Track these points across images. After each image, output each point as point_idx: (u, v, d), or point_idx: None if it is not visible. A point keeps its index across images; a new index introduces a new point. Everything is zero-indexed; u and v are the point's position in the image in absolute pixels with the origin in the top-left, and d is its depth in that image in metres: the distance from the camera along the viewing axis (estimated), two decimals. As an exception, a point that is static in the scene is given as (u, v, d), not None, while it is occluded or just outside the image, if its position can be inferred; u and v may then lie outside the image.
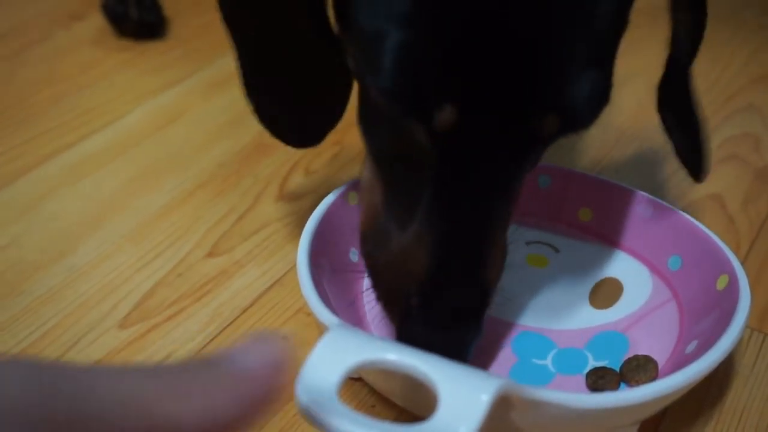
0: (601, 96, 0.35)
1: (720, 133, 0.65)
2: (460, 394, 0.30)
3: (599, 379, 0.41)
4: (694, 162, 0.47)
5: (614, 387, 0.41)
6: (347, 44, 0.39)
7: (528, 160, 0.37)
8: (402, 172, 0.38)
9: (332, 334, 0.33)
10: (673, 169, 0.60)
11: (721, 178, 0.60)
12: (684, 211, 0.47)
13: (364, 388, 0.44)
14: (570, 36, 0.34)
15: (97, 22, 0.80)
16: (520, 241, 0.50)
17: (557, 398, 0.33)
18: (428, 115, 0.34)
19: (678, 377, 0.35)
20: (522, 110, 0.34)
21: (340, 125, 0.47)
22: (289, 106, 0.46)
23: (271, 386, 0.21)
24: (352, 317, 0.44)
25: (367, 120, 0.41)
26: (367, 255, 0.41)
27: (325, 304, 0.39)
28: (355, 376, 0.44)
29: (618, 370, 0.42)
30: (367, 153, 0.41)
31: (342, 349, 0.32)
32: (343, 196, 0.48)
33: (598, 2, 0.34)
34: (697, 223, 0.45)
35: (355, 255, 0.48)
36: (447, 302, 0.37)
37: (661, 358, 0.42)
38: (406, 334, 0.38)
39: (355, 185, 0.49)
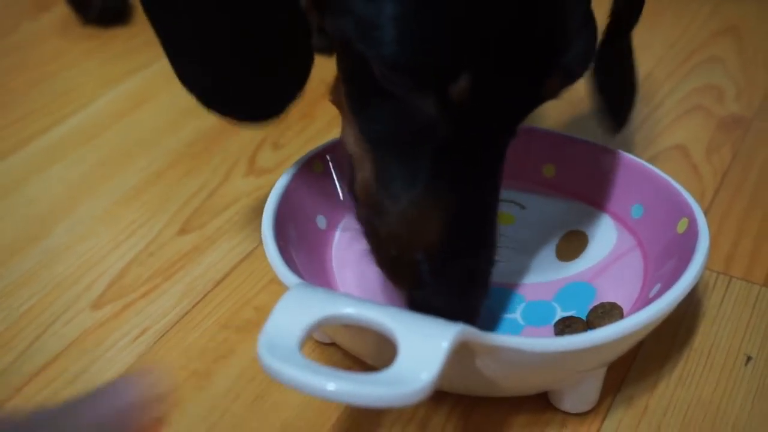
0: (592, 50, 0.36)
1: (684, 86, 0.66)
2: (420, 342, 0.31)
3: (566, 328, 0.42)
4: (618, 116, 0.48)
5: (580, 333, 0.41)
6: (332, 18, 0.37)
7: (524, 117, 0.37)
8: (399, 143, 0.38)
9: (293, 292, 0.33)
10: (637, 124, 0.61)
11: (685, 128, 0.61)
12: (649, 162, 0.48)
13: (338, 352, 0.44)
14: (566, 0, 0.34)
15: (63, 11, 0.80)
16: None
17: (516, 343, 0.33)
18: (442, 86, 0.34)
19: (636, 317, 0.35)
20: (532, 73, 0.35)
21: (307, 98, 0.46)
22: (243, 80, 0.43)
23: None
24: (321, 280, 0.44)
25: (355, 95, 0.40)
26: (367, 224, 0.41)
27: (291, 270, 0.40)
28: (328, 341, 0.45)
29: (585, 318, 0.42)
30: (352, 127, 0.40)
31: (302, 306, 0.33)
32: (306, 165, 0.48)
33: None
34: (656, 170, 0.46)
35: (322, 222, 0.48)
36: (461, 267, 0.37)
37: (626, 304, 0.43)
38: (420, 300, 0.38)
39: (319, 154, 0.49)
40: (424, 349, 0.30)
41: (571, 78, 0.36)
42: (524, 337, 0.34)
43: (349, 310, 0.32)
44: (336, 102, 0.43)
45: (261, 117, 0.45)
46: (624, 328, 0.35)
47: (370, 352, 0.39)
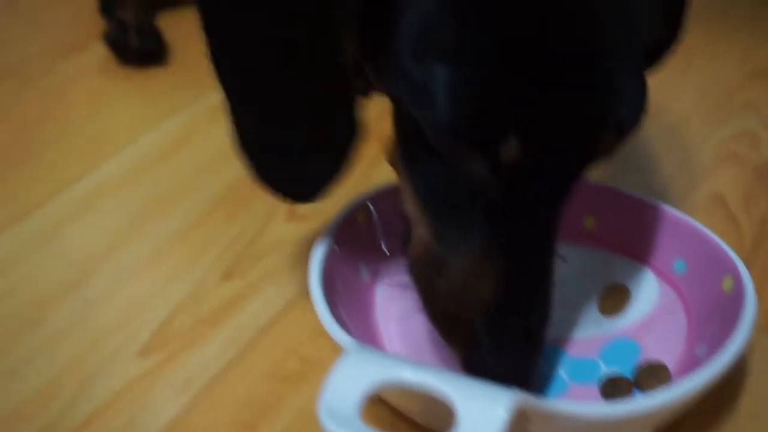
0: (644, 104, 0.36)
1: (718, 132, 0.66)
2: (478, 411, 0.31)
3: (612, 387, 0.42)
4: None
5: (627, 394, 0.42)
6: (387, 81, 0.38)
7: (580, 175, 0.38)
8: (453, 202, 0.38)
9: (349, 355, 0.34)
10: (673, 172, 0.61)
11: (721, 177, 0.61)
12: (685, 212, 0.48)
13: (386, 408, 0.45)
14: (614, 52, 0.35)
15: (98, 52, 0.81)
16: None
17: (573, 410, 0.34)
18: (493, 149, 0.34)
19: (690, 382, 0.36)
20: (582, 132, 0.35)
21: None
22: (293, 159, 0.44)
23: None
24: (367, 335, 0.45)
25: (409, 155, 0.40)
26: (421, 284, 0.41)
27: (340, 325, 0.40)
28: (374, 396, 0.45)
29: (630, 376, 0.43)
30: (407, 186, 0.41)
31: (360, 370, 0.33)
32: (351, 215, 0.49)
33: (635, 17, 0.35)
34: (699, 225, 0.46)
35: (365, 272, 0.49)
36: (516, 328, 0.37)
37: (671, 361, 0.43)
38: (474, 361, 0.38)
39: (362, 203, 0.50)
40: (483, 418, 0.31)
41: (623, 134, 0.37)
42: (578, 402, 0.35)
43: (408, 375, 0.33)
44: (392, 162, 0.44)
45: (299, 194, 0.46)
46: (678, 393, 0.35)
47: (420, 413, 0.40)
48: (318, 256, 0.45)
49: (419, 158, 0.40)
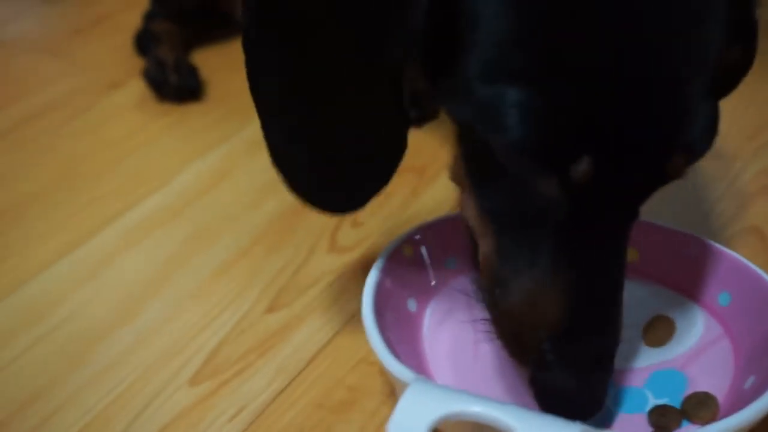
0: (715, 127, 0.37)
1: (753, 165, 0.67)
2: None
3: (661, 417, 0.43)
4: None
5: (676, 425, 0.42)
6: (453, 103, 0.39)
7: (648, 196, 0.38)
8: (520, 220, 0.39)
9: (413, 389, 0.35)
10: (710, 204, 0.62)
11: (757, 209, 0.62)
12: (724, 244, 0.49)
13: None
14: (689, 75, 0.35)
15: (136, 88, 0.83)
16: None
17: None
18: (564, 168, 0.35)
19: (748, 412, 0.36)
20: (653, 153, 0.36)
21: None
22: (333, 171, 0.45)
23: None
24: (417, 366, 0.46)
25: (475, 173, 0.41)
26: (489, 296, 0.42)
27: (394, 357, 0.41)
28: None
29: (679, 407, 0.43)
30: (474, 203, 0.42)
31: (425, 403, 0.34)
32: (398, 249, 0.50)
33: (709, 41, 0.36)
34: (743, 259, 0.47)
35: (412, 305, 0.50)
36: (585, 349, 0.38)
37: (719, 393, 0.43)
38: (542, 380, 0.38)
39: (408, 238, 0.51)
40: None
41: (694, 156, 0.37)
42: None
43: (475, 408, 0.33)
44: (455, 179, 0.45)
45: (345, 208, 0.47)
46: (740, 421, 0.36)
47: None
48: (369, 289, 0.46)
49: (485, 176, 0.40)
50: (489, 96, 0.35)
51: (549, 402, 0.39)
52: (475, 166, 0.41)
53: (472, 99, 0.36)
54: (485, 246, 0.42)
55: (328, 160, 0.45)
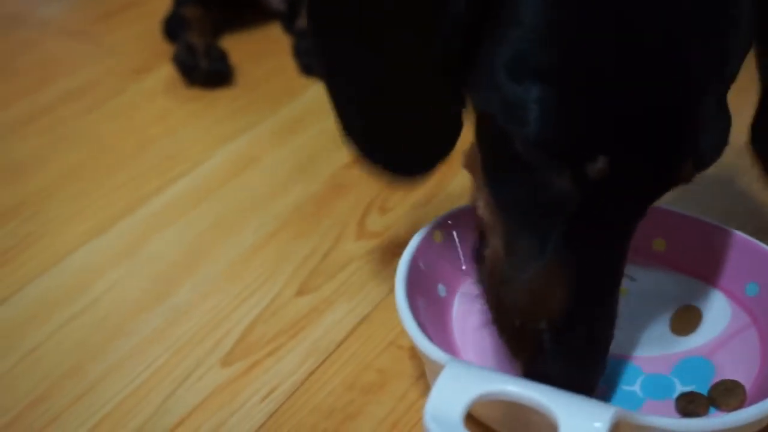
0: (726, 139, 0.39)
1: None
2: (579, 423, 0.33)
3: (689, 404, 0.43)
4: None
5: (704, 411, 0.43)
6: (477, 93, 0.41)
7: (658, 198, 0.40)
8: (530, 213, 0.40)
9: (450, 369, 0.36)
10: (736, 195, 0.62)
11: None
12: (752, 235, 0.50)
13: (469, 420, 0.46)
14: (706, 85, 0.37)
15: (165, 73, 0.84)
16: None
17: (669, 424, 0.35)
18: (580, 165, 0.37)
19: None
20: (666, 158, 0.37)
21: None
22: (403, 142, 0.47)
23: None
24: (448, 349, 0.47)
25: (491, 164, 0.42)
26: (491, 292, 0.44)
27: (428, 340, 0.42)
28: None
29: (706, 394, 0.44)
30: (485, 193, 0.43)
31: (462, 384, 0.35)
32: (429, 235, 0.51)
33: (732, 54, 0.37)
34: (769, 249, 0.48)
35: (442, 290, 0.50)
36: (583, 337, 0.39)
37: (746, 381, 0.44)
38: (537, 368, 0.40)
39: (439, 224, 0.52)
40: (583, 428, 0.32)
41: (703, 164, 0.39)
42: (672, 418, 0.36)
43: (512, 388, 0.34)
44: (469, 168, 0.46)
45: (411, 172, 0.48)
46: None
47: (511, 426, 0.41)
48: (402, 273, 0.47)
49: (500, 167, 0.42)
50: (515, 91, 0.37)
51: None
52: (490, 157, 0.42)
53: (497, 92, 0.38)
54: (494, 238, 0.43)
55: (397, 133, 0.46)
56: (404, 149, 0.47)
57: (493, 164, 0.43)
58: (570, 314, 0.40)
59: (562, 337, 0.40)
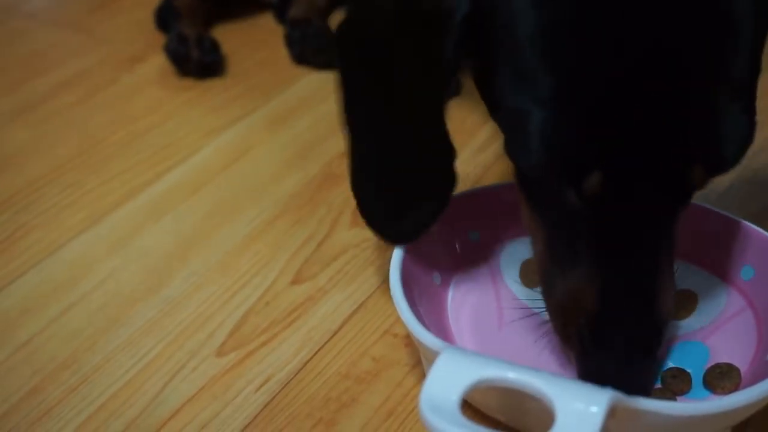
0: (743, 139, 0.38)
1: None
2: (575, 408, 0.33)
3: (672, 378, 0.44)
4: None
5: (687, 388, 0.43)
6: (490, 110, 0.42)
7: (680, 202, 0.40)
8: (560, 224, 0.41)
9: (446, 356, 0.35)
10: (732, 179, 0.62)
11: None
12: (749, 219, 0.49)
13: (468, 409, 0.46)
14: (705, 90, 0.37)
15: (157, 63, 0.83)
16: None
17: (665, 407, 0.35)
18: (577, 183, 0.38)
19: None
20: (666, 166, 0.37)
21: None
22: (400, 208, 0.48)
23: None
24: (443, 336, 0.46)
25: (522, 180, 0.44)
26: (546, 294, 0.44)
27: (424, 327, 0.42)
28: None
29: (701, 378, 0.44)
30: (525, 207, 0.44)
31: (457, 370, 0.35)
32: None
33: (731, 53, 0.37)
34: (766, 233, 0.48)
35: (437, 278, 0.50)
36: (620, 338, 0.39)
37: (741, 365, 0.44)
38: (584, 367, 0.41)
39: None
40: (579, 415, 0.32)
41: (719, 167, 0.38)
42: (667, 401, 0.36)
43: (509, 374, 0.34)
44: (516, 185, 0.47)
45: (402, 238, 0.49)
46: (762, 391, 0.37)
47: (507, 412, 0.41)
48: (397, 262, 0.47)
49: (527, 182, 0.43)
50: (517, 116, 0.38)
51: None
52: (520, 174, 0.44)
53: (506, 119, 0.40)
54: (536, 245, 0.44)
55: (391, 187, 0.48)
56: (406, 209, 0.48)
57: (523, 180, 0.44)
58: (602, 316, 0.40)
59: (598, 337, 0.40)
